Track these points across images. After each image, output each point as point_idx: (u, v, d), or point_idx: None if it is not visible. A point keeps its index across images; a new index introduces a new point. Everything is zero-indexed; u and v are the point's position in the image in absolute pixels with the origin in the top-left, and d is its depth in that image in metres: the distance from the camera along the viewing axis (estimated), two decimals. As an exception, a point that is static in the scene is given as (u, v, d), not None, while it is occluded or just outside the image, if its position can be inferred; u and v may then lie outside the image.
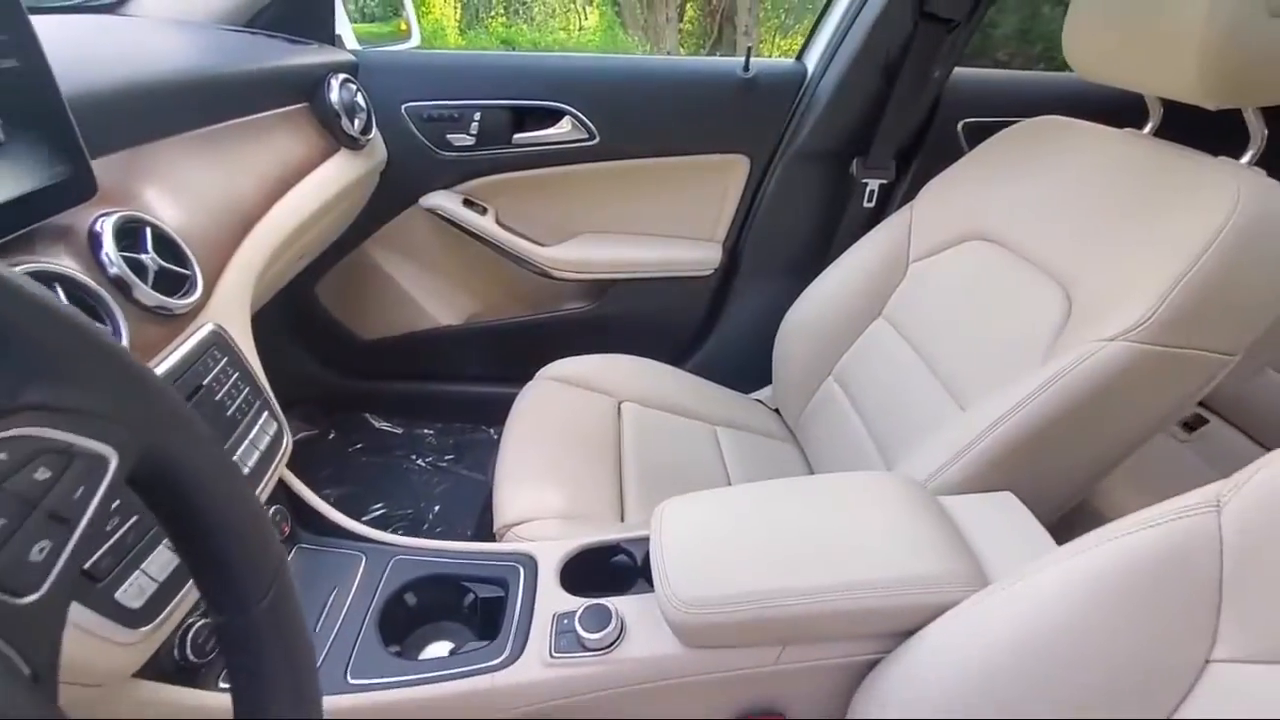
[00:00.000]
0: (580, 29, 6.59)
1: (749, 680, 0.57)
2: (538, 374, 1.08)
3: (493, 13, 6.53)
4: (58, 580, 0.21)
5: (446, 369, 1.34)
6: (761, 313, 1.19)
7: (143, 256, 0.52)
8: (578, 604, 0.60)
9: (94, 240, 0.50)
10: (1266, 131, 0.71)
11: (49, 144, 0.47)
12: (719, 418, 1.08)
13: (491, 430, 1.35)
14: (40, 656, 0.21)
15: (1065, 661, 0.44)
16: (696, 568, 0.56)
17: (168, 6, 0.91)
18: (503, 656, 0.58)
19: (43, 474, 0.21)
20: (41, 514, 0.21)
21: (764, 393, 1.21)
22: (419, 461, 1.31)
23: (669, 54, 6.13)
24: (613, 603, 0.59)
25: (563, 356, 1.09)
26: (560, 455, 0.94)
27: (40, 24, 0.46)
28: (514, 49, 5.90)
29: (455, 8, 6.30)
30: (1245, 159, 0.71)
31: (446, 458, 1.32)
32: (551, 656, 0.57)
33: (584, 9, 6.71)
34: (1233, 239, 0.61)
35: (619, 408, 1.04)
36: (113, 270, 0.50)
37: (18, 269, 0.42)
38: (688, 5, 6.61)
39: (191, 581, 0.49)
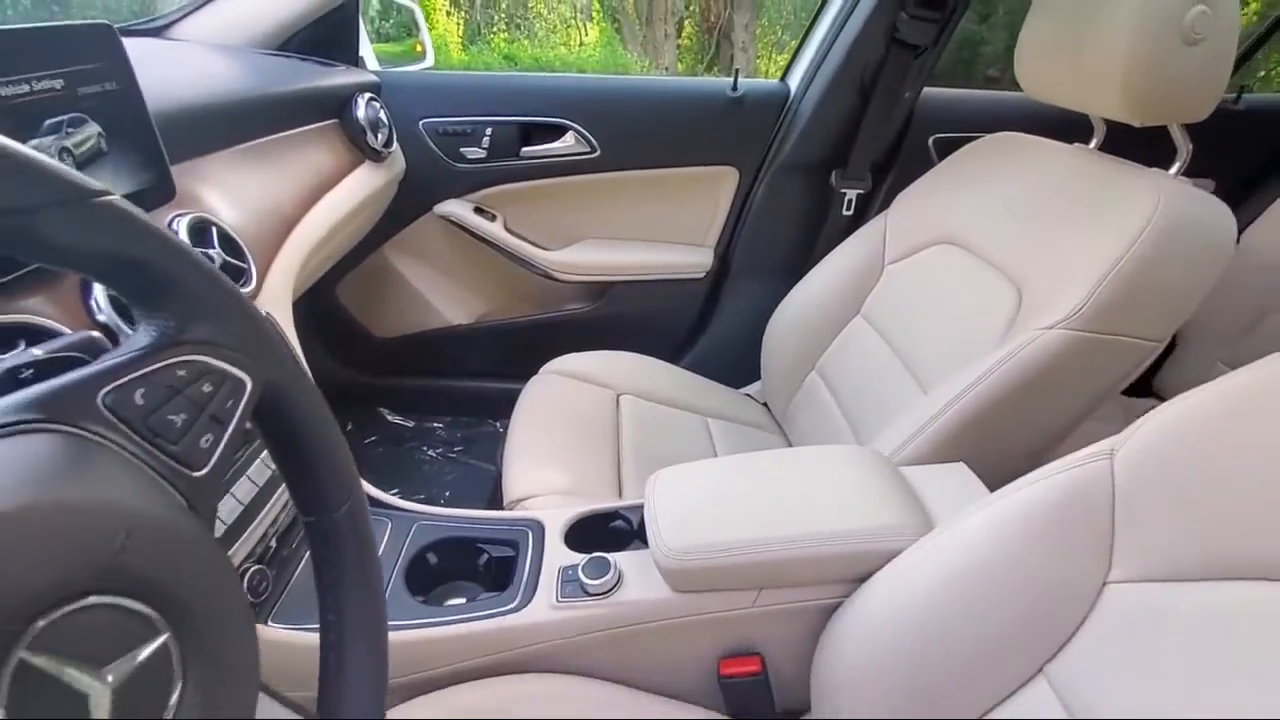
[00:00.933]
0: (581, 44, 6.72)
1: (730, 622, 0.65)
2: (542, 369, 1.16)
3: (495, 29, 6.67)
4: (218, 462, 0.30)
5: (456, 365, 1.43)
6: (751, 313, 1.28)
7: (210, 251, 0.61)
8: (581, 558, 0.68)
9: (171, 237, 0.59)
10: (1191, 146, 0.81)
11: (138, 154, 0.56)
12: (711, 410, 1.16)
13: (498, 424, 1.43)
14: (204, 512, 0.29)
15: (986, 594, 0.52)
16: (684, 521, 0.65)
17: (209, 32, 1.00)
18: (515, 602, 0.66)
19: (207, 387, 0.30)
20: (207, 415, 0.30)
21: (754, 388, 1.29)
22: (430, 453, 1.39)
23: (667, 69, 6.25)
24: (612, 556, 0.67)
25: (565, 353, 1.17)
26: (563, 441, 1.02)
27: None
28: (516, 64, 6.01)
29: (458, 23, 6.44)
30: (1173, 169, 0.81)
31: (456, 449, 1.40)
32: (557, 601, 0.65)
33: (584, 25, 6.85)
34: (1151, 239, 0.70)
35: (618, 400, 1.12)
36: (188, 262, 0.58)
37: None
38: (685, 22, 6.76)
39: (250, 528, 0.58)
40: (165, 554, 0.25)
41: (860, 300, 1.08)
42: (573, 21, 6.85)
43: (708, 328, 1.40)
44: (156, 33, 1.00)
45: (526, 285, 1.35)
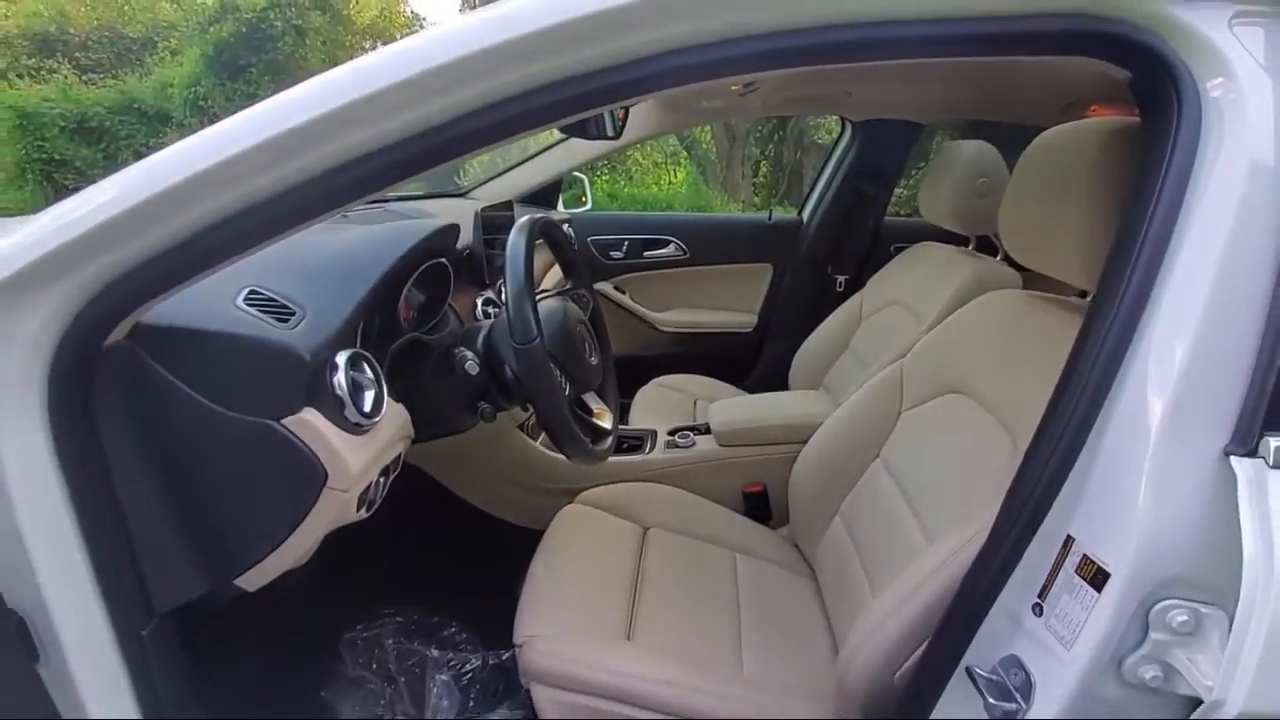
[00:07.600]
0: (670, 184, 7.94)
1: (748, 464, 1.35)
2: (650, 382, 1.92)
3: (599, 173, 8.02)
4: (591, 310, 1.08)
5: (593, 387, 2.22)
6: (782, 353, 2.01)
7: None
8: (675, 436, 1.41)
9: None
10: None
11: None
12: (754, 409, 1.87)
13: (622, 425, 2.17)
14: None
15: (847, 427, 1.20)
16: (726, 412, 1.37)
17: (490, 193, 1.94)
18: (647, 451, 1.39)
19: (585, 305, 1.09)
20: (583, 298, 1.09)
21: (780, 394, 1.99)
22: (573, 442, 2.14)
23: (743, 202, 7.31)
24: (692, 434, 1.40)
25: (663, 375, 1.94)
26: (663, 415, 1.76)
27: (428, 205, 1.40)
28: (617, 200, 7.20)
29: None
30: (998, 257, 1.52)
31: (589, 440, 2.15)
32: (663, 451, 1.38)
33: (672, 169, 8.11)
34: (962, 287, 1.41)
35: (695, 402, 1.86)
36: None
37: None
38: (761, 164, 7.90)
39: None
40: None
41: (848, 340, 1.80)
42: (663, 165, 8.13)
43: (756, 364, 2.15)
44: (463, 194, 1.95)
45: (641, 334, 2.17)
